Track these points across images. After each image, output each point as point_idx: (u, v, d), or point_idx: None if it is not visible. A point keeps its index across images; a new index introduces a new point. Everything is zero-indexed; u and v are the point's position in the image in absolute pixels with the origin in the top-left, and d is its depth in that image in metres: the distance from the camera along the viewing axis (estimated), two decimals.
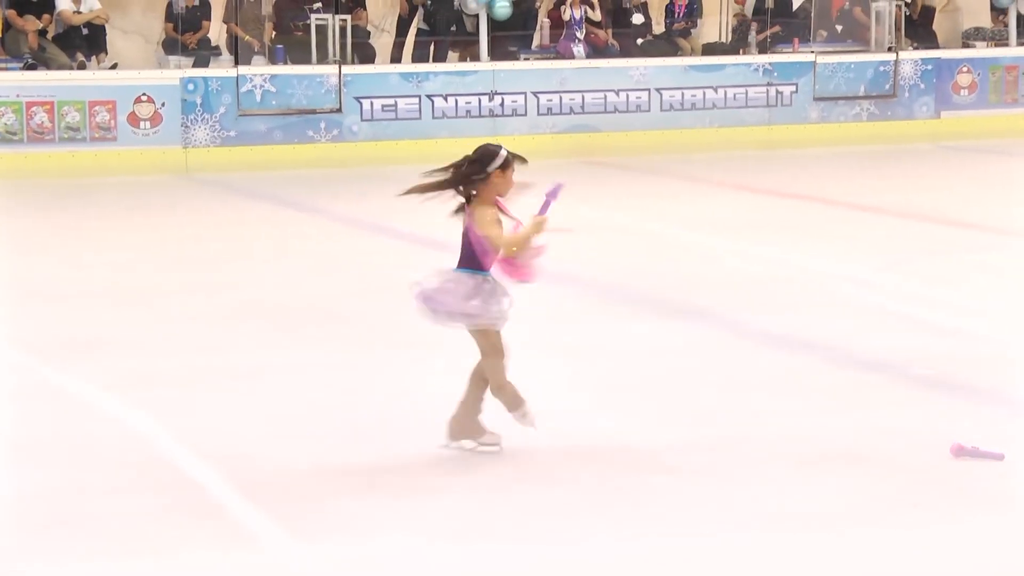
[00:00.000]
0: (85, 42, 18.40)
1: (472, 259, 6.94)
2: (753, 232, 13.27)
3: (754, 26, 21.01)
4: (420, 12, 19.94)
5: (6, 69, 17.91)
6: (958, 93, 20.98)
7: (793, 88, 20.20)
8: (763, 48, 20.86)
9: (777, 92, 20.13)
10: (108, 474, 6.65)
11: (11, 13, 18.26)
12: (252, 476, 6.60)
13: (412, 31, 20.06)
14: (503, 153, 6.90)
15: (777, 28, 21.10)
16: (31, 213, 14.92)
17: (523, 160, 6.99)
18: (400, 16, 20.19)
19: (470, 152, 6.95)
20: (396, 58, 19.82)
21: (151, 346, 9.17)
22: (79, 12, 18.44)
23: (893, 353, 8.81)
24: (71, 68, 17.94)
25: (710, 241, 12.77)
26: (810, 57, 20.39)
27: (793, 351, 8.98)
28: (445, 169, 6.93)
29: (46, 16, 18.30)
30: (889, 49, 20.85)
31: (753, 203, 15.53)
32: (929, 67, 20.81)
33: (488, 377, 6.94)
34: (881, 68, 20.59)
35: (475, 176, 6.88)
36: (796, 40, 21.00)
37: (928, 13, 22.14)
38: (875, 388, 8.13)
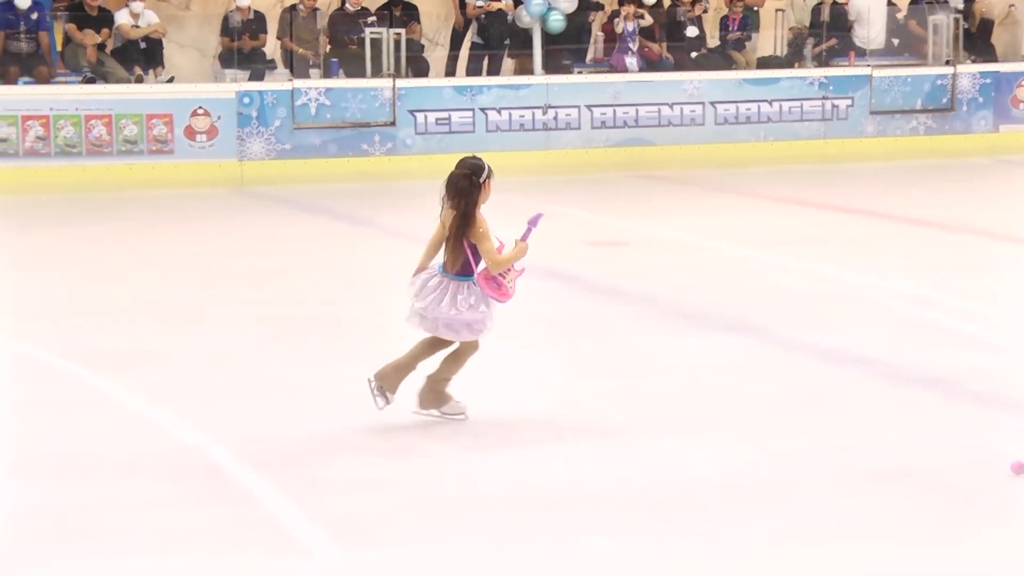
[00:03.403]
0: (143, 56, 18.55)
1: (467, 266, 7.45)
2: (807, 247, 13.21)
3: (810, 40, 20.93)
4: (474, 26, 19.98)
5: (65, 83, 18.09)
6: (1017, 107, 20.83)
7: (849, 102, 20.11)
8: (819, 61, 20.77)
9: (833, 106, 20.05)
10: (158, 485, 6.69)
11: (71, 27, 18.43)
12: (300, 487, 6.63)
13: (466, 45, 20.11)
14: (486, 164, 7.51)
15: (833, 41, 21.01)
16: (89, 225, 15.04)
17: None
18: (454, 29, 20.25)
19: (457, 171, 7.46)
20: (450, 71, 19.87)
21: (203, 358, 9.23)
22: (137, 26, 18.59)
23: (947, 370, 8.75)
24: (129, 82, 18.10)
25: (763, 256, 12.72)
26: (866, 70, 20.29)
27: (845, 367, 8.93)
28: (454, 203, 7.42)
29: (105, 30, 18.47)
30: (947, 62, 20.73)
31: (807, 218, 15.46)
32: (987, 81, 20.67)
33: (457, 362, 7.50)
34: (939, 82, 20.47)
35: (473, 188, 7.41)
36: (852, 53, 20.91)
37: (987, 26, 22.00)
38: (928, 405, 8.08)
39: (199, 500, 6.50)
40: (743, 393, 8.32)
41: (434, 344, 7.57)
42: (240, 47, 18.90)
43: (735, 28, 20.90)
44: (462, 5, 20.05)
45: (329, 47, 19.22)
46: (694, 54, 20.58)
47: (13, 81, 17.84)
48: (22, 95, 17.49)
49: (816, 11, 21.16)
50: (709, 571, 5.71)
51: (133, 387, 8.42)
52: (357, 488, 6.65)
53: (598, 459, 7.03)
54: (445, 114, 18.61)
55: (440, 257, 7.55)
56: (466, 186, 7.38)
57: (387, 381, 7.53)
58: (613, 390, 8.38)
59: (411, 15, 19.72)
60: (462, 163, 7.49)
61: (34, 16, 18.13)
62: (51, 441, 7.40)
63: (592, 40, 20.66)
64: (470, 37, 20.04)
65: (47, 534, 6.09)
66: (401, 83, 18.53)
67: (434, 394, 7.58)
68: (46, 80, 17.96)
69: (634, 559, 5.80)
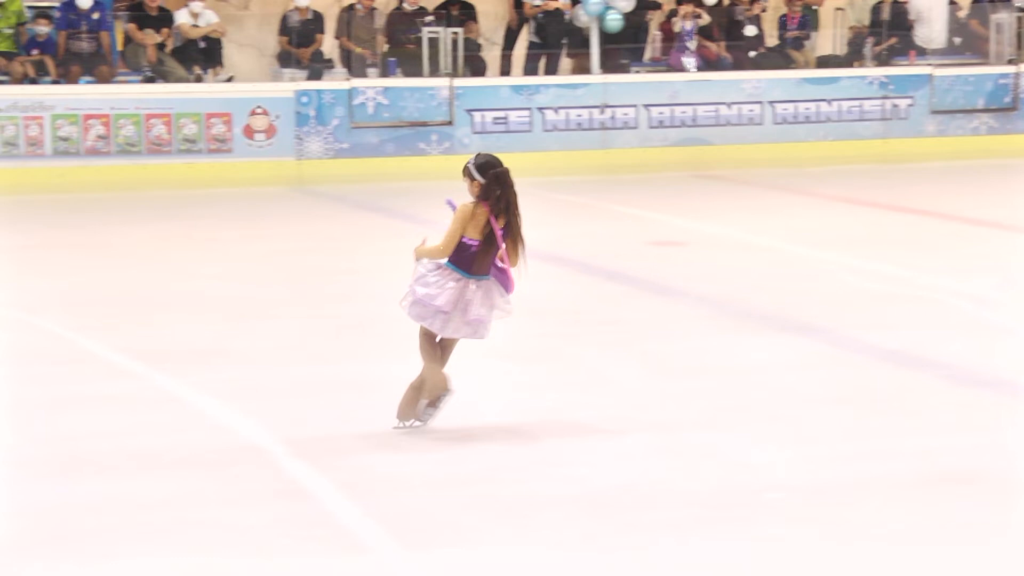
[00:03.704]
0: (202, 55, 18.65)
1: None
2: (868, 247, 13.12)
3: (870, 39, 20.80)
4: (531, 25, 19.96)
5: (126, 82, 18.21)
6: None
7: (910, 101, 19.99)
8: (879, 60, 20.64)
9: (893, 105, 19.92)
10: (218, 482, 6.71)
11: (131, 27, 18.55)
12: (362, 485, 6.63)
13: (521, 43, 20.08)
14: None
15: (894, 40, 20.87)
16: (148, 223, 15.12)
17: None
18: (508, 28, 20.24)
19: (477, 172, 7.33)
20: (504, 71, 19.86)
21: (263, 356, 9.25)
22: (197, 26, 18.69)
23: (1013, 372, 8.67)
24: (188, 81, 18.20)
25: (824, 256, 12.64)
26: (927, 70, 20.15)
27: (908, 368, 8.86)
28: (510, 209, 7.33)
29: (165, 30, 18.58)
30: (1009, 61, 20.55)
31: (868, 218, 15.35)
32: None
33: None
34: (1001, 81, 20.31)
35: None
36: (913, 52, 20.76)
37: None
38: (993, 407, 7.99)
39: (259, 497, 6.51)
40: (806, 394, 8.26)
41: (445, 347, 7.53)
42: (298, 57, 18.95)
43: (794, 27, 20.79)
44: (517, 3, 20.04)
45: (387, 46, 19.26)
46: (752, 53, 20.50)
47: (74, 81, 17.98)
48: (83, 94, 17.62)
49: (876, 10, 21.03)
50: (774, 573, 5.67)
51: (193, 384, 8.45)
52: (418, 486, 6.64)
53: (662, 459, 7.00)
54: (502, 113, 18.61)
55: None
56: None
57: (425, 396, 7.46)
58: (677, 390, 8.34)
59: (468, 14, 19.73)
60: (481, 165, 7.34)
61: (95, 16, 18.26)
62: (112, 437, 7.43)
63: (650, 39, 20.61)
64: (526, 36, 20.02)
65: (108, 529, 6.12)
66: (458, 82, 18.55)
67: (414, 404, 7.48)
68: (107, 80, 18.09)
69: (700, 560, 5.77)
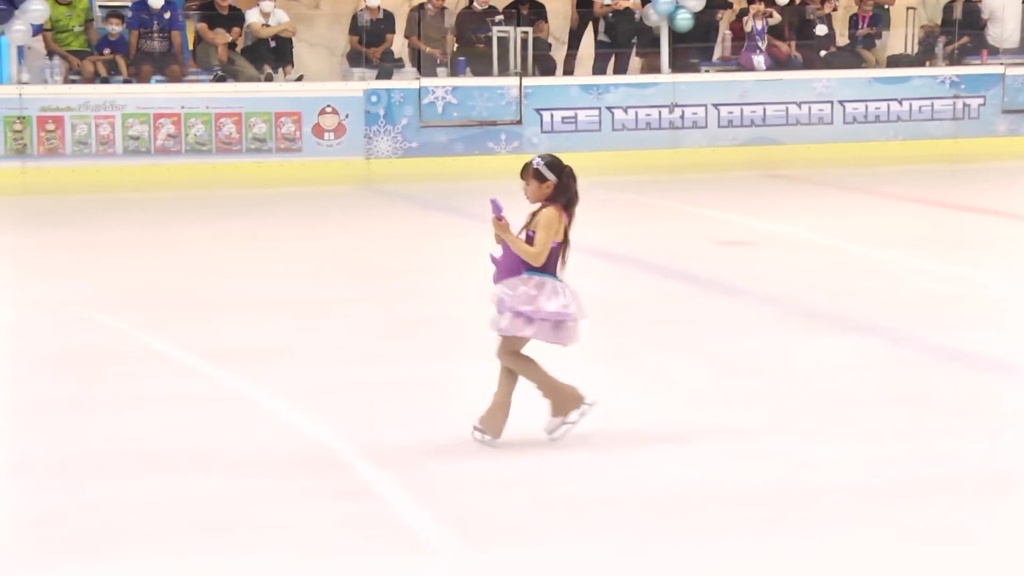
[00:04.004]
0: (272, 55, 18.77)
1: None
2: (937, 247, 13.03)
3: (942, 38, 20.64)
4: (601, 24, 19.96)
5: (197, 81, 18.36)
6: None
7: (981, 100, 19.82)
8: (951, 60, 20.48)
9: (964, 104, 19.76)
10: (283, 481, 6.76)
11: (202, 27, 18.70)
12: (425, 485, 6.66)
13: (586, 43, 20.06)
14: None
15: (965, 39, 20.69)
16: (218, 222, 15.23)
17: (520, 174, 7.22)
18: (571, 28, 20.22)
19: (551, 172, 7.18)
20: (568, 70, 19.85)
21: (330, 355, 9.30)
22: (267, 25, 18.81)
23: None
24: (259, 80, 18.32)
25: (893, 256, 12.56)
26: (999, 69, 19.96)
27: (969, 369, 8.79)
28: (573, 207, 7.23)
29: (236, 29, 18.71)
30: None
31: (937, 218, 15.24)
32: None
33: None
34: None
35: None
36: (984, 52, 20.58)
37: None
38: None
39: (323, 496, 6.55)
40: (867, 394, 8.22)
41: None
42: (368, 56, 19.04)
43: (865, 26, 20.66)
44: (581, 3, 20.02)
45: (456, 46, 19.30)
46: (823, 52, 20.39)
47: (146, 80, 18.14)
48: (154, 93, 17.78)
49: (948, 9, 20.87)
50: (836, 572, 5.65)
51: (261, 383, 8.51)
52: (484, 486, 6.66)
53: (727, 459, 6.99)
54: (571, 113, 18.61)
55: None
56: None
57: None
58: (742, 390, 8.32)
59: (538, 14, 19.74)
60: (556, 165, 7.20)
61: (167, 15, 18.43)
62: (177, 435, 7.50)
63: (720, 38, 20.55)
64: (591, 36, 19.99)
65: (170, 527, 6.18)
66: (527, 82, 18.56)
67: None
68: (178, 79, 18.24)
69: (761, 560, 5.76)
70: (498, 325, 7.17)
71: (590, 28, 20.03)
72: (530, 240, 7.16)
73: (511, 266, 7.19)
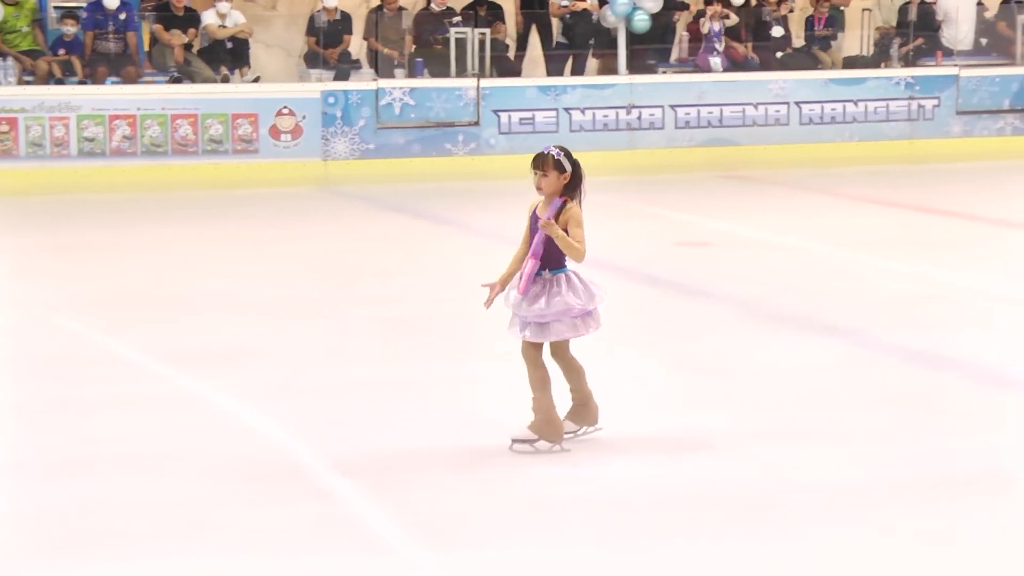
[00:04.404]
0: (229, 56, 18.69)
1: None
2: (894, 248, 13.09)
3: (897, 39, 20.75)
4: (559, 25, 19.97)
5: (152, 83, 18.25)
6: None
7: (936, 102, 19.93)
8: (906, 61, 20.59)
9: (919, 106, 19.87)
10: (247, 484, 6.72)
11: (158, 28, 18.60)
12: (387, 487, 6.63)
13: (534, 44, 20.04)
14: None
15: (920, 41, 20.81)
16: (174, 224, 15.16)
17: (535, 161, 7.01)
18: (517, 31, 20.18)
19: (569, 163, 7.06)
20: (516, 71, 19.79)
21: (288, 357, 9.26)
22: (224, 26, 18.73)
23: None
24: (215, 81, 18.23)
25: (850, 256, 12.62)
26: (953, 70, 20.09)
27: (934, 369, 8.84)
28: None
29: (192, 30, 18.62)
30: None
31: (894, 218, 15.32)
32: None
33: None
34: None
35: None
36: (939, 53, 20.70)
37: None
38: (1018, 408, 7.98)
39: (284, 499, 6.52)
40: (835, 395, 8.24)
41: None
42: (325, 57, 18.99)
43: (821, 27, 20.74)
44: (524, 5, 20.01)
45: (414, 47, 19.28)
46: (779, 54, 20.46)
47: (101, 81, 18.03)
48: (110, 95, 17.67)
49: (903, 11, 20.98)
50: (804, 573, 5.66)
51: (220, 386, 8.47)
52: (443, 488, 6.65)
53: (693, 460, 6.98)
54: (529, 114, 18.61)
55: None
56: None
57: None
58: (707, 392, 8.34)
59: (496, 15, 19.73)
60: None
61: (122, 16, 18.32)
62: (141, 438, 7.45)
63: (677, 40, 20.59)
64: (537, 38, 19.95)
65: (129, 530, 6.14)
66: (485, 83, 18.55)
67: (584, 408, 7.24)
68: (133, 80, 18.14)
69: (727, 560, 5.76)
70: (579, 331, 7.03)
71: (541, 31, 20.01)
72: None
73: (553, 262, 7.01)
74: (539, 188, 7.01)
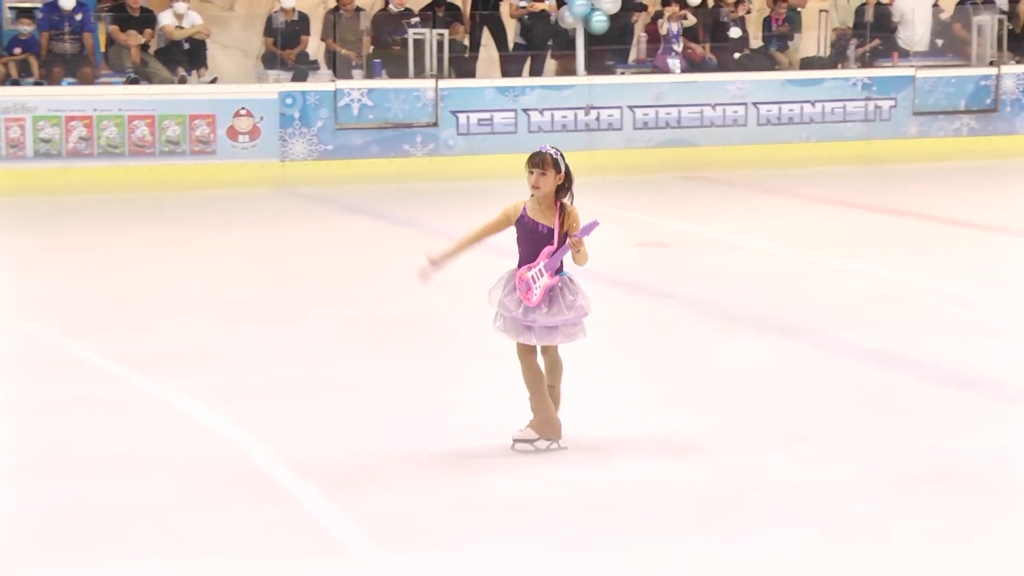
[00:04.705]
0: (186, 57, 18.62)
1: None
2: (851, 248, 13.15)
3: (853, 40, 20.85)
4: (517, 26, 19.98)
5: (109, 83, 18.16)
6: None
7: (892, 103, 20.02)
8: (862, 62, 20.69)
9: (876, 107, 19.97)
10: (204, 486, 6.70)
11: (114, 28, 18.51)
12: (346, 488, 6.63)
13: (489, 46, 20.04)
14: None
15: (877, 42, 20.92)
16: (132, 226, 15.09)
17: (533, 159, 6.99)
18: (465, 31, 20.15)
19: (565, 163, 7.09)
20: (469, 72, 19.75)
21: (248, 359, 9.24)
22: (181, 27, 18.66)
23: (993, 371, 8.70)
24: (172, 82, 18.16)
25: (807, 257, 12.67)
26: (910, 71, 20.19)
27: (891, 369, 8.88)
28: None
29: (148, 31, 18.54)
30: (991, 63, 20.60)
31: (851, 219, 15.39)
32: None
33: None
34: (982, 83, 20.36)
35: None
36: (896, 54, 20.81)
37: None
38: (974, 407, 8.03)
39: (243, 501, 6.50)
40: (794, 395, 8.28)
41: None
42: (283, 58, 18.94)
43: (778, 26, 20.81)
44: (475, 5, 19.99)
45: (372, 48, 19.24)
46: (737, 55, 20.53)
47: (57, 82, 17.93)
48: (66, 96, 17.57)
49: (860, 12, 21.07)
50: (763, 573, 5.68)
51: (178, 388, 8.43)
52: (402, 489, 6.64)
53: (649, 461, 7.00)
54: (487, 115, 18.60)
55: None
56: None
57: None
58: (662, 392, 8.35)
59: (454, 16, 19.72)
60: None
61: (78, 17, 18.22)
62: (97, 441, 7.42)
63: (635, 41, 20.62)
64: (489, 39, 19.94)
65: (93, 533, 6.11)
66: (443, 84, 18.54)
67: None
68: (90, 81, 18.04)
69: (688, 560, 5.78)
70: (583, 334, 7.07)
71: (495, 32, 20.00)
72: (562, 240, 6.98)
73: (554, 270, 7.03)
74: (536, 187, 6.99)
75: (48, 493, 6.64)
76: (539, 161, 6.94)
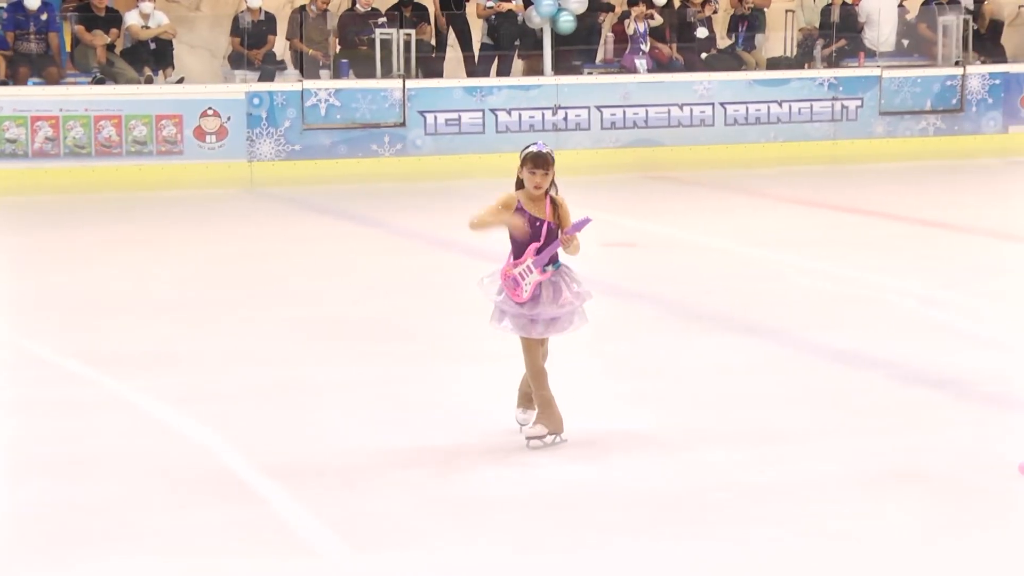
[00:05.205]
0: (152, 57, 18.55)
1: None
2: (818, 248, 13.20)
3: (820, 40, 20.92)
4: (484, 26, 19.98)
5: (75, 83, 18.08)
6: None
7: (859, 103, 20.10)
8: (829, 62, 20.76)
9: (842, 106, 20.04)
10: (169, 487, 6.68)
11: (80, 28, 18.43)
12: (312, 488, 6.61)
13: (455, 46, 20.04)
14: (525, 150, 7.15)
15: (843, 42, 21.00)
16: (98, 226, 15.04)
17: (537, 161, 7.06)
18: (438, 33, 20.14)
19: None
20: (436, 73, 19.75)
21: (215, 360, 9.22)
22: (147, 27, 18.60)
23: (958, 371, 8.73)
24: (139, 82, 18.10)
25: (774, 257, 12.71)
26: (876, 71, 20.27)
27: (857, 368, 8.91)
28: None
29: (114, 31, 18.47)
30: (956, 63, 20.71)
31: (818, 219, 15.44)
32: (997, 81, 20.65)
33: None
34: (948, 83, 20.46)
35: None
36: (862, 54, 20.89)
37: (996, 27, 21.97)
38: (940, 406, 8.06)
39: (210, 502, 6.48)
40: (757, 395, 8.30)
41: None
42: (250, 58, 18.90)
43: (744, 29, 20.88)
44: (444, 5, 19.98)
45: (339, 48, 19.22)
46: (704, 55, 20.58)
47: (23, 82, 17.84)
48: (31, 96, 17.49)
49: (826, 12, 21.14)
50: (726, 572, 5.69)
51: (145, 389, 8.41)
52: (372, 489, 6.63)
53: (618, 459, 7.01)
54: (455, 115, 18.60)
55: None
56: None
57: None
58: (629, 392, 8.36)
59: (422, 16, 19.70)
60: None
61: (43, 17, 18.14)
62: (61, 442, 7.39)
63: (602, 41, 20.64)
64: (454, 40, 19.93)
65: (57, 535, 6.09)
66: (411, 84, 18.52)
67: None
68: (55, 81, 17.97)
69: (652, 559, 5.79)
70: (585, 320, 7.22)
71: (459, 33, 19.99)
72: (553, 233, 7.10)
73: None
74: (539, 187, 7.10)
75: (9, 495, 6.60)
76: (543, 162, 7.07)
